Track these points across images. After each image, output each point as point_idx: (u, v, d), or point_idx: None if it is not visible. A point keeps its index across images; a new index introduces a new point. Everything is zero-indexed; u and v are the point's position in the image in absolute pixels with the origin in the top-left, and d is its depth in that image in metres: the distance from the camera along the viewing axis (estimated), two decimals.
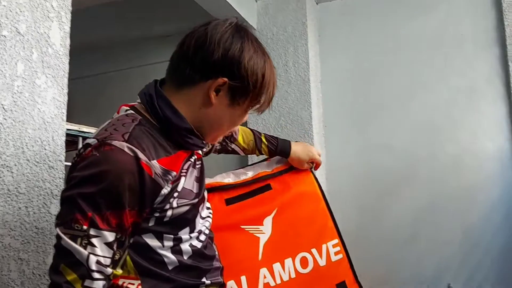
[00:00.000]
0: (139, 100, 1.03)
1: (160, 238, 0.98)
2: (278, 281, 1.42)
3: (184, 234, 1.03)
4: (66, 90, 1.62)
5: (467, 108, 2.98)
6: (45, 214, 1.59)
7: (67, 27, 1.57)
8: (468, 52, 3.02)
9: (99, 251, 0.83)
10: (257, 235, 1.46)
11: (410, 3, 3.19)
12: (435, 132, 3.03)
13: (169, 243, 1.00)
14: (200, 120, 1.02)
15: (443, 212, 2.91)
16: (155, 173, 0.89)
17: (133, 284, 0.94)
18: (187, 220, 1.03)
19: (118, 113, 1.01)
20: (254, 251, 1.44)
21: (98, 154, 0.84)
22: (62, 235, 0.82)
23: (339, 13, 3.37)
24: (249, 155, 3.04)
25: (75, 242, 0.82)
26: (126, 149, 0.85)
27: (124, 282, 0.93)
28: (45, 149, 1.58)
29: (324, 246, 1.49)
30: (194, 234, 1.06)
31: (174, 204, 0.96)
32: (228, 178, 1.53)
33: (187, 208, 1.01)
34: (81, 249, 0.82)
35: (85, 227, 0.82)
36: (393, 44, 3.19)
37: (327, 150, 3.26)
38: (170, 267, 1.00)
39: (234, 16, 1.07)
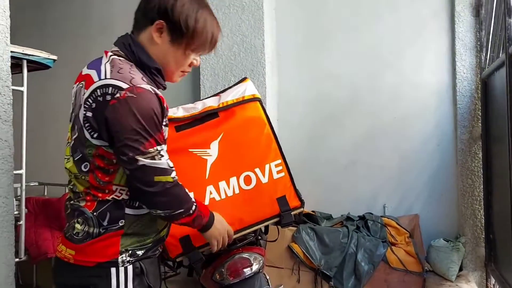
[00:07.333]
0: (114, 48, 1.27)
1: None
2: (223, 196, 1.60)
3: None
4: (8, 13, 1.56)
5: (412, 39, 3.10)
6: None
7: None
8: None
9: (166, 155, 1.22)
10: (204, 157, 1.59)
11: None
12: (379, 62, 3.15)
13: None
14: (156, 59, 1.27)
15: (381, 139, 3.14)
16: (165, 104, 1.22)
17: (124, 190, 1.23)
18: None
19: (106, 56, 1.25)
20: (202, 171, 1.59)
21: (135, 96, 1.13)
22: (144, 160, 1.16)
23: None
24: (201, 93, 3.08)
25: (154, 159, 1.18)
26: (150, 89, 1.17)
27: (117, 188, 1.22)
28: None
29: (267, 166, 1.64)
30: None
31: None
32: (178, 113, 1.63)
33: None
34: (160, 161, 1.19)
35: (156, 147, 1.18)
36: None
37: (279, 79, 3.34)
38: None
39: None
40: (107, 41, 3.24)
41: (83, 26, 3.72)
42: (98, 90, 1.15)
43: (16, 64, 2.01)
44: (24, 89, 2.08)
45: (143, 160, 1.16)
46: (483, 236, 2.81)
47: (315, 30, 3.27)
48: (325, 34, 3.25)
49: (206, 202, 1.57)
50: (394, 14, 3.12)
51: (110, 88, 1.14)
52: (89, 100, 1.16)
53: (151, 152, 1.18)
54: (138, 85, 1.15)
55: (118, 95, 1.13)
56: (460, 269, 2.78)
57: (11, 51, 1.77)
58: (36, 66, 2.27)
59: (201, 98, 1.74)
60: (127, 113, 1.13)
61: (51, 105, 3.75)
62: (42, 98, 3.65)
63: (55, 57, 2.29)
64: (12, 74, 1.74)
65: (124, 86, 1.14)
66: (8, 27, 1.60)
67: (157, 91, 1.20)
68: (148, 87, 1.17)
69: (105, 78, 1.16)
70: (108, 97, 1.13)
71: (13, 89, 1.75)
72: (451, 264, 2.70)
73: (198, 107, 1.67)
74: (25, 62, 2.09)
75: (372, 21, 3.16)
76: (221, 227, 1.42)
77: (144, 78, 1.20)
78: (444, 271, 2.72)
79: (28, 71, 2.17)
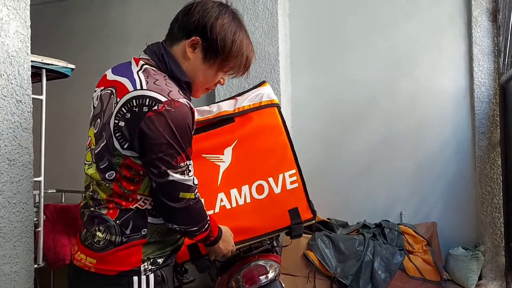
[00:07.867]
0: (144, 56, 1.26)
1: None
2: (234, 205, 1.57)
3: None
4: (29, 23, 1.60)
5: (428, 45, 3.08)
6: (16, 147, 1.63)
7: None
8: None
9: (193, 172, 1.23)
10: (217, 163, 1.57)
11: None
12: (395, 69, 3.14)
13: None
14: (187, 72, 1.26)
15: (397, 146, 3.11)
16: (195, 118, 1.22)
17: (148, 200, 1.23)
18: None
19: (137, 65, 1.23)
20: (214, 178, 1.57)
21: (173, 110, 1.13)
22: (174, 174, 1.17)
23: None
24: (215, 95, 3.10)
25: (184, 175, 1.20)
26: (187, 104, 1.17)
27: (141, 198, 1.22)
28: (12, 83, 1.59)
29: (280, 176, 1.60)
30: None
31: None
32: None
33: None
34: (188, 177, 1.21)
35: (186, 162, 1.19)
36: None
37: (293, 86, 3.34)
38: None
39: None
40: (123, 50, 3.32)
41: (100, 36, 3.78)
42: (134, 101, 1.14)
43: (35, 73, 2.05)
44: (43, 97, 2.12)
45: (173, 175, 1.17)
46: (503, 244, 2.76)
47: (330, 37, 3.27)
48: (340, 40, 3.25)
49: (217, 210, 1.55)
50: (410, 20, 3.11)
51: (148, 99, 1.13)
52: (123, 109, 1.15)
53: (181, 167, 1.18)
54: (176, 99, 1.15)
55: (156, 107, 1.12)
56: (479, 278, 2.72)
57: (31, 61, 1.81)
58: (54, 75, 2.30)
59: (216, 101, 1.71)
60: (164, 126, 1.13)
61: (69, 113, 3.81)
62: (60, 107, 3.71)
63: (73, 66, 2.33)
64: (31, 83, 1.78)
65: (163, 99, 1.13)
66: (28, 37, 1.64)
67: (191, 105, 1.19)
68: (184, 101, 1.17)
69: (141, 89, 1.15)
70: (145, 109, 1.12)
71: (32, 98, 1.79)
72: (470, 273, 2.66)
73: (213, 110, 1.64)
74: (44, 71, 2.12)
75: (388, 27, 3.15)
76: (224, 247, 1.42)
77: (180, 92, 1.20)
78: (463, 280, 2.67)
79: (47, 80, 2.20)
